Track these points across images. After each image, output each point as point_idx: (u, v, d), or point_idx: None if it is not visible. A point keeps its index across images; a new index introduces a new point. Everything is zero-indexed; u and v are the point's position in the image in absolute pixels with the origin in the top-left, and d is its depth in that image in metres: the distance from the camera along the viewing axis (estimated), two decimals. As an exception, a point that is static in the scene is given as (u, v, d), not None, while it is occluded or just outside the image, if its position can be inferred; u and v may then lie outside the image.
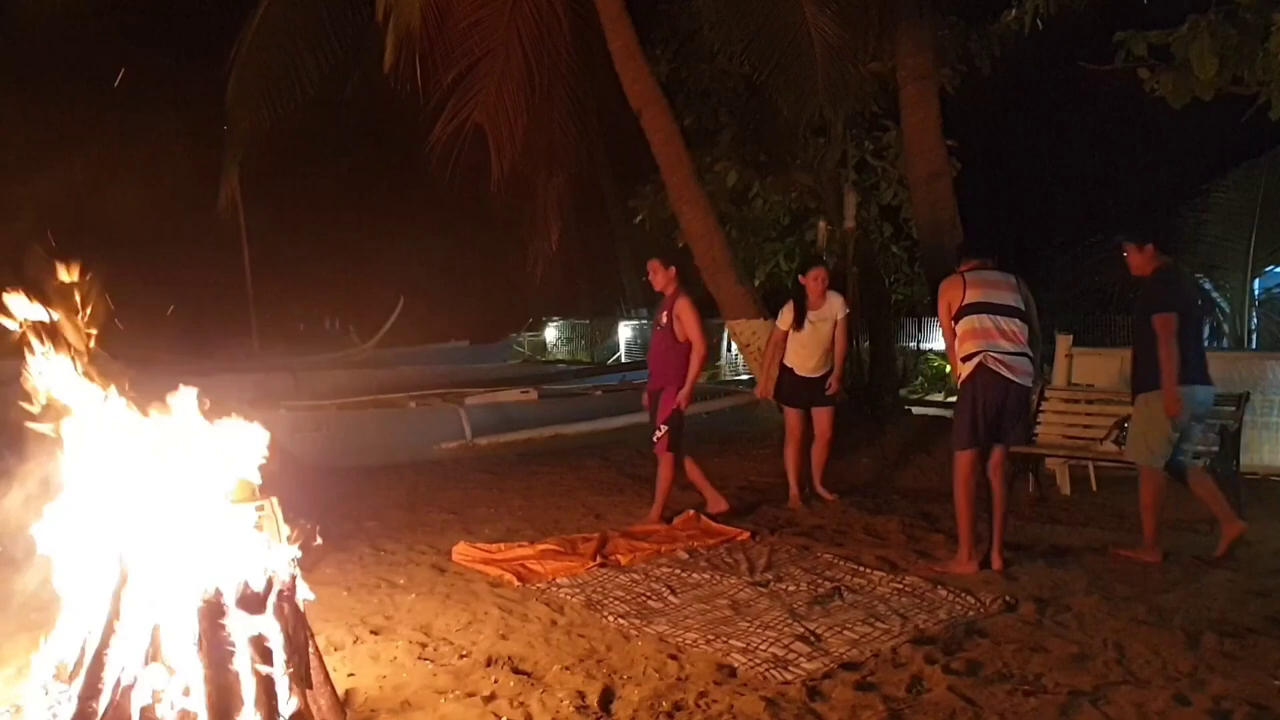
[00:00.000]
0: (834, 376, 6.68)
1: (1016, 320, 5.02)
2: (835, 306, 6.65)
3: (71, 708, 2.75)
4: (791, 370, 6.75)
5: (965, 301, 5.08)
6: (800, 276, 6.80)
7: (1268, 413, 7.32)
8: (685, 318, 6.16)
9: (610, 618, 4.41)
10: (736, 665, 3.80)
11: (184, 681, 2.78)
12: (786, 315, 6.75)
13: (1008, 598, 4.55)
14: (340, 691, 3.31)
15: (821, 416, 6.76)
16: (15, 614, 3.98)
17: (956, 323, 5.12)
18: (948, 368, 5.17)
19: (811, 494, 6.83)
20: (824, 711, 3.38)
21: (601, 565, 5.26)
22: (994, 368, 4.95)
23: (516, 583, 4.94)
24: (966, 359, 5.04)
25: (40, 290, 3.09)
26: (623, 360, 21.19)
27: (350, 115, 12.90)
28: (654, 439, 6.22)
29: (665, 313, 6.28)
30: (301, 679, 2.92)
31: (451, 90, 9.83)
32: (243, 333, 16.43)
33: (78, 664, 2.83)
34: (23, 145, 12.83)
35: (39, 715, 2.90)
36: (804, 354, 6.71)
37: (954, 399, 5.32)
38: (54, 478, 3.06)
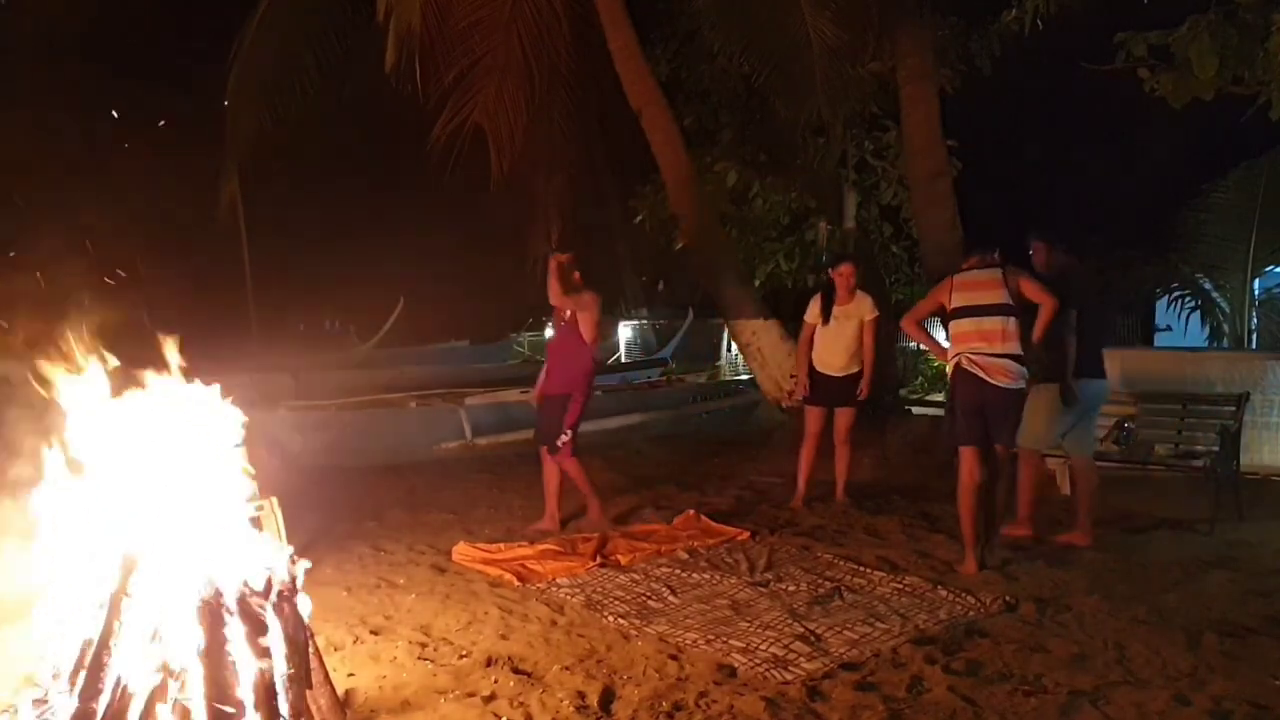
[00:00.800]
0: (864, 381, 6.59)
1: (1004, 319, 5.06)
2: (864, 307, 6.58)
3: (71, 708, 2.75)
4: (814, 368, 6.68)
5: (952, 306, 5.23)
6: (830, 270, 6.77)
7: (1268, 413, 7.33)
8: (590, 304, 6.06)
9: (610, 618, 4.41)
10: (736, 665, 3.80)
11: (184, 682, 2.78)
12: (814, 307, 6.67)
13: (1008, 598, 4.56)
14: (340, 691, 3.31)
15: (843, 417, 6.69)
16: (14, 613, 3.97)
17: (947, 326, 5.27)
18: (948, 367, 5.28)
19: (831, 498, 6.79)
20: (824, 711, 3.38)
21: (601, 565, 5.26)
22: (968, 368, 5.09)
23: (516, 583, 4.94)
24: (952, 360, 5.21)
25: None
26: (623, 360, 21.15)
27: (350, 115, 12.90)
28: (558, 444, 6.05)
29: (570, 309, 6.13)
30: (301, 679, 2.92)
31: (451, 90, 9.84)
32: (243, 333, 16.39)
33: (78, 664, 2.83)
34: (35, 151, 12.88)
35: (38, 716, 2.90)
36: (828, 352, 6.61)
37: (954, 399, 5.44)
38: (49, 475, 3.06)
